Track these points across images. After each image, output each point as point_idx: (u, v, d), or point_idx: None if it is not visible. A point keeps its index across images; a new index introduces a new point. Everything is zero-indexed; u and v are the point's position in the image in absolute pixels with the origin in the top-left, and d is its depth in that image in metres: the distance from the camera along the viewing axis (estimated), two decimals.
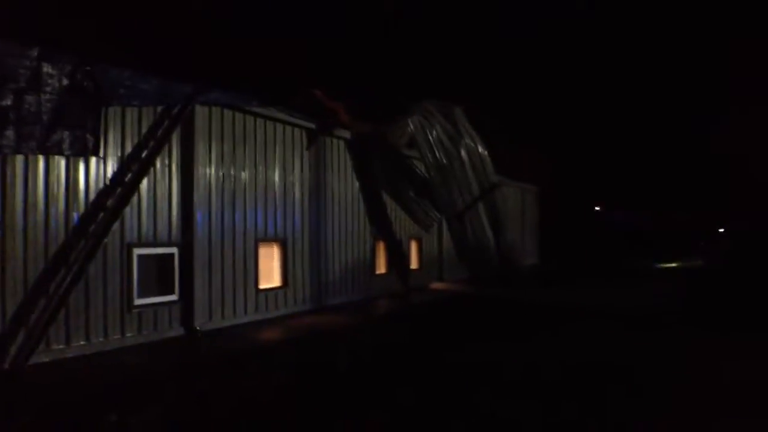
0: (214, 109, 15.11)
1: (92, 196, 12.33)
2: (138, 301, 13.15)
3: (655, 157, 67.29)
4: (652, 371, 10.66)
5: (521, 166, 38.57)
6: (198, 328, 14.25)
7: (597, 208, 67.32)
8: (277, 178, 17.17)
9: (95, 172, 12.40)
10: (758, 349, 12.40)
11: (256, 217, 16.37)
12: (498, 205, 23.80)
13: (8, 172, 11.09)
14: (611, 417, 8.18)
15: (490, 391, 9.42)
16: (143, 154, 13.30)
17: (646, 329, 14.95)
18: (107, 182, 12.60)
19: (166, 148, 13.93)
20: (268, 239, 16.86)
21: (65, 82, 11.73)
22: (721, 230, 63.19)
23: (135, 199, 13.16)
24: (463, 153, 22.50)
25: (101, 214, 12.41)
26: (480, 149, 23.33)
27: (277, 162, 17.20)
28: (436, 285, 25.16)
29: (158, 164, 13.75)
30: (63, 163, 11.79)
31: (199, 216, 14.59)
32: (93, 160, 12.33)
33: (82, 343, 11.97)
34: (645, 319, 16.44)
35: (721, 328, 15.07)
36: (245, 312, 15.87)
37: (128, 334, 12.86)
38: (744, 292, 22.65)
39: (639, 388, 9.51)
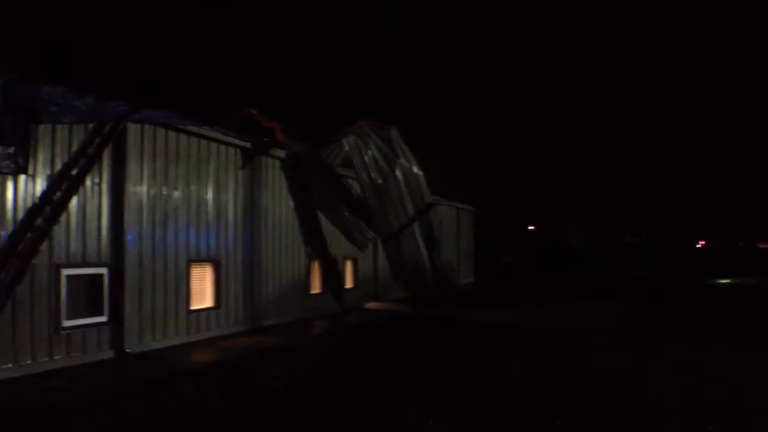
0: (147, 127, 14.87)
1: (20, 215, 11.99)
2: (66, 323, 12.79)
3: (585, 179, 68.66)
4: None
5: (457, 186, 38.93)
6: (128, 350, 13.95)
7: (531, 228, 68.31)
8: (210, 198, 16.98)
9: (24, 190, 12.06)
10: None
11: (188, 237, 16.16)
12: (433, 225, 23.97)
13: None
14: None
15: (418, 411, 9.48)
16: (73, 172, 13.02)
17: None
18: (36, 201, 12.28)
19: (97, 166, 13.65)
20: (200, 259, 16.64)
21: None
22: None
23: (64, 218, 12.84)
24: (398, 173, 22.62)
25: (29, 234, 12.11)
26: (415, 169, 23.48)
27: (211, 181, 17.03)
28: (372, 304, 25.13)
29: (88, 183, 13.44)
30: None
31: (129, 236, 14.32)
32: (22, 177, 12.03)
33: (9, 365, 11.58)
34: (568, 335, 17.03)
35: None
36: (176, 334, 15.60)
37: (57, 357, 12.50)
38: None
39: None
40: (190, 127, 16.03)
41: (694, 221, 71.47)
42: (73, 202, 13.07)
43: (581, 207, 69.95)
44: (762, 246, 68.93)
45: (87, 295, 13.49)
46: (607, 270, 47.40)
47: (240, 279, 18.06)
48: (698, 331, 17.75)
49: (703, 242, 79.08)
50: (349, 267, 24.66)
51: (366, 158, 22.14)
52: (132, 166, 14.44)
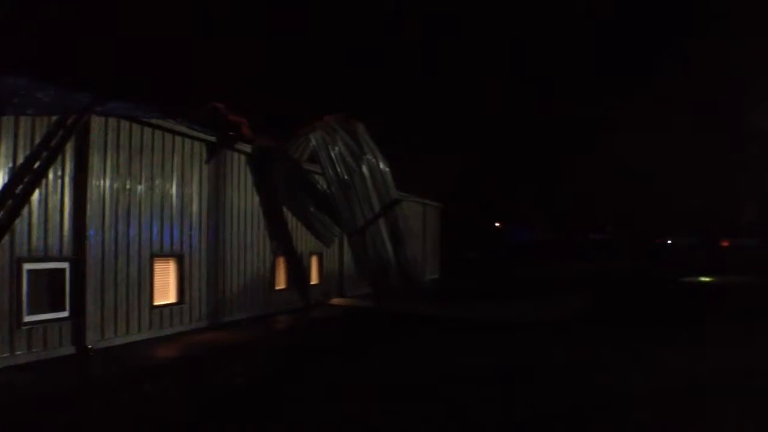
0: (110, 119, 14.68)
1: None
2: (28, 318, 12.59)
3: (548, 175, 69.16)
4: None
5: (424, 182, 38.98)
6: (90, 346, 13.79)
7: (497, 224, 68.72)
8: (175, 192, 16.83)
9: None
10: None
11: (152, 232, 16.00)
12: (399, 221, 23.98)
13: None
14: None
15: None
16: (36, 165, 12.83)
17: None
18: None
19: (60, 159, 13.44)
20: (164, 254, 16.50)
21: None
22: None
23: (26, 211, 12.63)
24: (364, 169, 22.60)
25: None
26: (381, 165, 23.48)
27: (175, 175, 16.88)
28: (337, 300, 25.13)
29: (50, 176, 13.23)
30: None
31: (92, 230, 14.12)
32: None
33: None
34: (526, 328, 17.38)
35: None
36: (139, 329, 15.44)
37: (18, 352, 12.28)
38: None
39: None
40: (154, 120, 15.87)
41: (657, 218, 72.20)
42: (36, 195, 12.85)
43: (546, 204, 70.45)
44: (725, 244, 69.88)
45: (49, 289, 13.30)
46: (569, 266, 47.83)
47: (204, 274, 17.95)
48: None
49: (669, 240, 79.85)
50: (314, 263, 24.61)
51: (332, 153, 22.10)
52: (95, 160, 14.26)
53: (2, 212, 12.13)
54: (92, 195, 14.16)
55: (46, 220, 13.18)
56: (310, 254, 24.13)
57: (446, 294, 27.99)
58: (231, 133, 19.08)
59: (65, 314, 13.58)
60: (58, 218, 13.48)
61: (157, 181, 16.23)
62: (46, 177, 13.13)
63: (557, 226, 70.99)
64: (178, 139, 16.98)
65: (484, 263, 51.30)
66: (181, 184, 17.09)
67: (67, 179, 13.70)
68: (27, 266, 12.69)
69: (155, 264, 16.15)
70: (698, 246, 62.02)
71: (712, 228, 69.15)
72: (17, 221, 12.43)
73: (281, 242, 21.95)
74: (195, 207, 17.63)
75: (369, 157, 23.00)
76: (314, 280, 24.50)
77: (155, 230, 16.12)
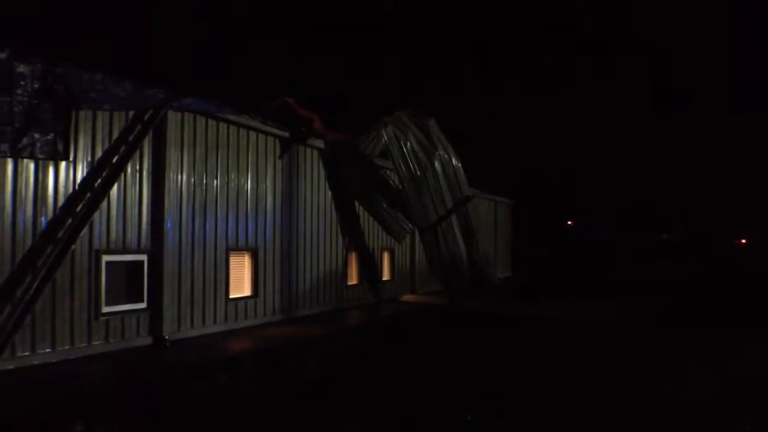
0: (186, 115, 14.90)
1: (61, 201, 12.09)
2: (106, 309, 12.90)
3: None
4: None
5: (494, 179, 38.71)
6: (166, 337, 14.01)
7: (569, 223, 67.93)
8: (249, 187, 16.99)
9: (64, 176, 12.16)
10: None
11: (227, 226, 16.19)
12: (471, 218, 23.76)
13: None
14: None
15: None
16: (114, 160, 13.08)
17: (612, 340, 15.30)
18: (76, 187, 12.37)
19: (137, 153, 13.71)
20: (239, 248, 16.67)
21: (36, 84, 11.51)
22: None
23: (104, 205, 12.92)
24: (436, 164, 22.45)
25: (70, 220, 12.18)
26: (454, 161, 23.30)
27: (249, 170, 17.03)
28: (408, 297, 25.06)
29: (129, 170, 13.52)
30: (32, 166, 11.54)
31: (169, 223, 14.36)
32: (63, 164, 12.08)
33: (47, 350, 11.69)
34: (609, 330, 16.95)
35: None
36: (215, 321, 15.66)
37: (95, 342, 12.60)
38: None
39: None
40: (229, 116, 16.03)
41: (730, 217, 70.43)
42: (114, 189, 13.15)
43: (616, 203, 69.54)
44: None
45: (126, 281, 13.60)
46: (642, 266, 46.97)
47: (277, 268, 18.07)
48: None
49: (744, 240, 77.78)
50: (386, 259, 24.58)
51: (405, 149, 21.98)
52: (172, 154, 14.49)
53: (81, 205, 12.37)
54: (170, 189, 14.41)
55: (124, 214, 13.46)
56: (382, 250, 24.12)
57: (518, 292, 27.59)
58: (303, 129, 19.15)
59: (143, 305, 13.85)
60: (136, 211, 13.73)
61: (232, 176, 16.39)
62: (125, 171, 13.39)
63: (627, 225, 69.86)
64: (252, 134, 17.14)
65: (554, 261, 50.67)
66: (256, 179, 17.23)
67: (145, 173, 13.97)
68: (106, 258, 12.97)
69: (230, 257, 16.32)
70: None
71: None
72: (96, 214, 12.69)
73: (353, 238, 21.97)
74: (269, 202, 17.76)
75: (441, 152, 22.86)
76: (386, 276, 24.47)
77: (230, 224, 16.29)
